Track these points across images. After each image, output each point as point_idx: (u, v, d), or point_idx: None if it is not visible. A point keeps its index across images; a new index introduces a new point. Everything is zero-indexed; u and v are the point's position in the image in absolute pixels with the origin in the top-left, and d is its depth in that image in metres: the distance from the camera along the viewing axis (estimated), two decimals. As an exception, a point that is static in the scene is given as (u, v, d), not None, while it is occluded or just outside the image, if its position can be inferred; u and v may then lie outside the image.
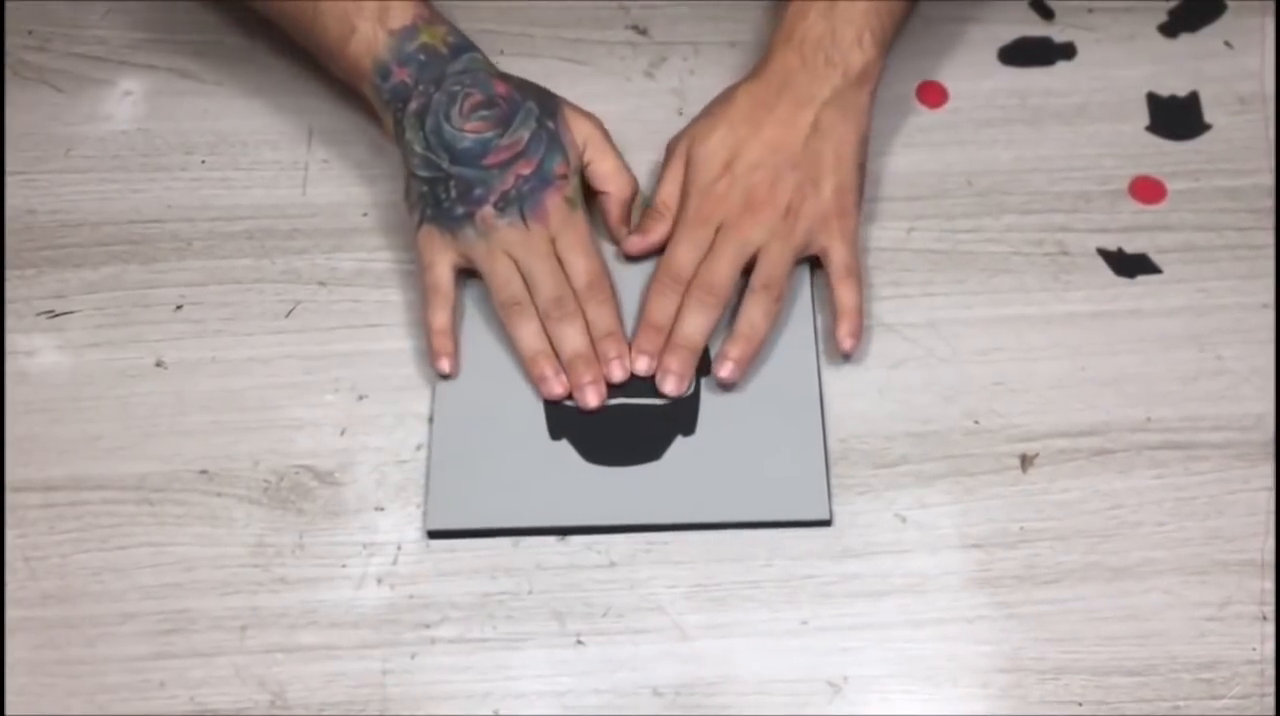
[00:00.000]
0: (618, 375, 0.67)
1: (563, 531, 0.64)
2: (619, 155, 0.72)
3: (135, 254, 0.74)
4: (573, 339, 0.68)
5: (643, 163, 0.74)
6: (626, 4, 0.82)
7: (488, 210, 0.68)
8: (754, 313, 0.68)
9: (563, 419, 0.67)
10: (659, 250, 0.71)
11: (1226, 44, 0.80)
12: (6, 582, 0.64)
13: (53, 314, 0.72)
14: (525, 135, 0.69)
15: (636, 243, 0.71)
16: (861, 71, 0.70)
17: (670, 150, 0.72)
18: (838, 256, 0.69)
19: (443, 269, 0.69)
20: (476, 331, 0.70)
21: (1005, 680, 0.61)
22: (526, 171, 0.68)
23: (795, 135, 0.69)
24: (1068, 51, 0.80)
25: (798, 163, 0.69)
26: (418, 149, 0.69)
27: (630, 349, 0.68)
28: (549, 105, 0.71)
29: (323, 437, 0.68)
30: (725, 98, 0.72)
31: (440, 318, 0.69)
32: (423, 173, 0.69)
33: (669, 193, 0.71)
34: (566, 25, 0.82)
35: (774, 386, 0.67)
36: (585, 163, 0.71)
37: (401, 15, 0.70)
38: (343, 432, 0.68)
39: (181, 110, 0.79)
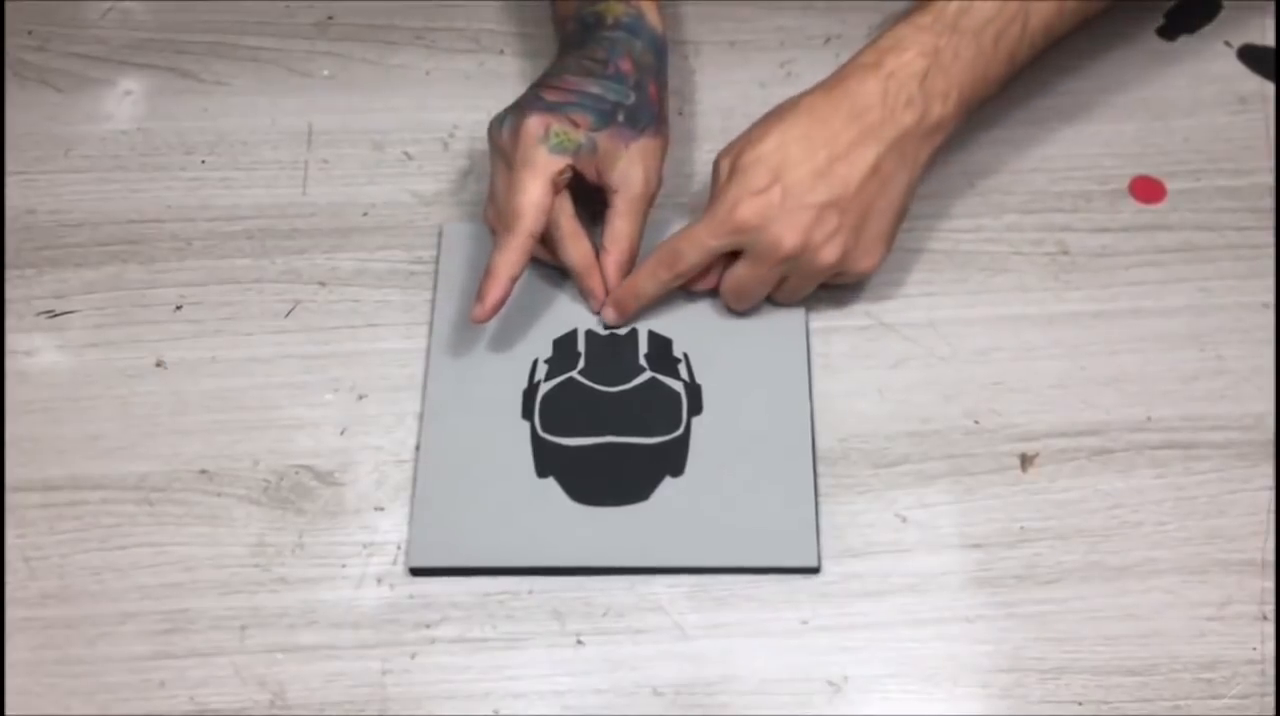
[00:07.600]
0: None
1: (547, 571, 0.63)
2: (637, 219, 0.69)
3: (135, 254, 0.74)
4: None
5: (643, 163, 0.74)
6: (626, 4, 0.82)
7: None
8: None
9: (550, 456, 0.66)
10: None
11: (1226, 44, 0.80)
12: (6, 582, 0.64)
13: (53, 314, 0.72)
14: (598, 89, 0.68)
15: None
16: (936, 124, 0.66)
17: (716, 167, 0.68)
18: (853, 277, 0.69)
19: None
20: (466, 365, 0.68)
21: (1005, 680, 0.61)
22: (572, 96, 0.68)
23: (851, 173, 0.65)
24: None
25: (846, 207, 0.65)
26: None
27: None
28: (649, 109, 0.70)
29: (323, 437, 0.68)
30: (784, 105, 0.68)
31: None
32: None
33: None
34: (566, 25, 0.81)
35: (766, 429, 0.66)
36: (609, 184, 0.69)
37: None
38: (343, 432, 0.68)
39: (181, 110, 0.79)
